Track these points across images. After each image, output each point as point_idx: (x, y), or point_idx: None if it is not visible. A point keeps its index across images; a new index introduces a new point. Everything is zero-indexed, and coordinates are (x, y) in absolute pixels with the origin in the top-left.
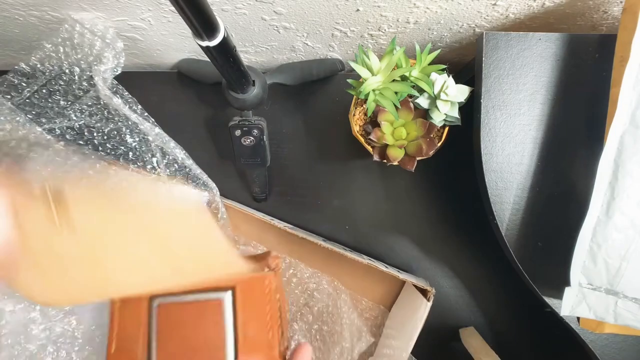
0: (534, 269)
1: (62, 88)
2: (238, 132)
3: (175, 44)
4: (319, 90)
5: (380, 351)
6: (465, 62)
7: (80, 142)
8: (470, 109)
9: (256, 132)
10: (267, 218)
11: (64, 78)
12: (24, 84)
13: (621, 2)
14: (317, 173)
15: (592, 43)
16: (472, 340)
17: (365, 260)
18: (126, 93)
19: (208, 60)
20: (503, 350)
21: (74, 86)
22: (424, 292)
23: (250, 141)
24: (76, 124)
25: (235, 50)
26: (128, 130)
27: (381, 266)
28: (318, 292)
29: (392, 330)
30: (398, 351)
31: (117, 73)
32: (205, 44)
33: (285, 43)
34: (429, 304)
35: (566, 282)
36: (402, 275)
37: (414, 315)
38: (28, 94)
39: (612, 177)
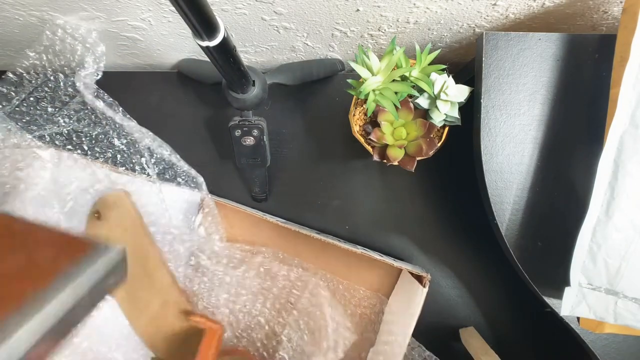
0: (534, 269)
1: (48, 95)
2: (238, 132)
3: (175, 44)
4: (319, 90)
5: (381, 338)
6: (465, 62)
7: (70, 147)
8: (470, 109)
9: (256, 132)
10: (259, 214)
11: (50, 85)
12: (12, 93)
13: (621, 2)
14: (317, 173)
15: (592, 43)
16: (472, 340)
17: (359, 250)
18: (106, 96)
19: (208, 60)
20: (503, 350)
21: (59, 92)
22: (419, 279)
23: (250, 141)
24: (64, 129)
25: (235, 50)
26: (115, 133)
27: (375, 255)
28: (297, 290)
29: (392, 316)
30: (400, 337)
31: (98, 77)
32: (205, 44)
33: (285, 43)
34: (425, 289)
35: (566, 282)
36: (397, 263)
37: (411, 302)
38: (17, 103)
39: (612, 177)
